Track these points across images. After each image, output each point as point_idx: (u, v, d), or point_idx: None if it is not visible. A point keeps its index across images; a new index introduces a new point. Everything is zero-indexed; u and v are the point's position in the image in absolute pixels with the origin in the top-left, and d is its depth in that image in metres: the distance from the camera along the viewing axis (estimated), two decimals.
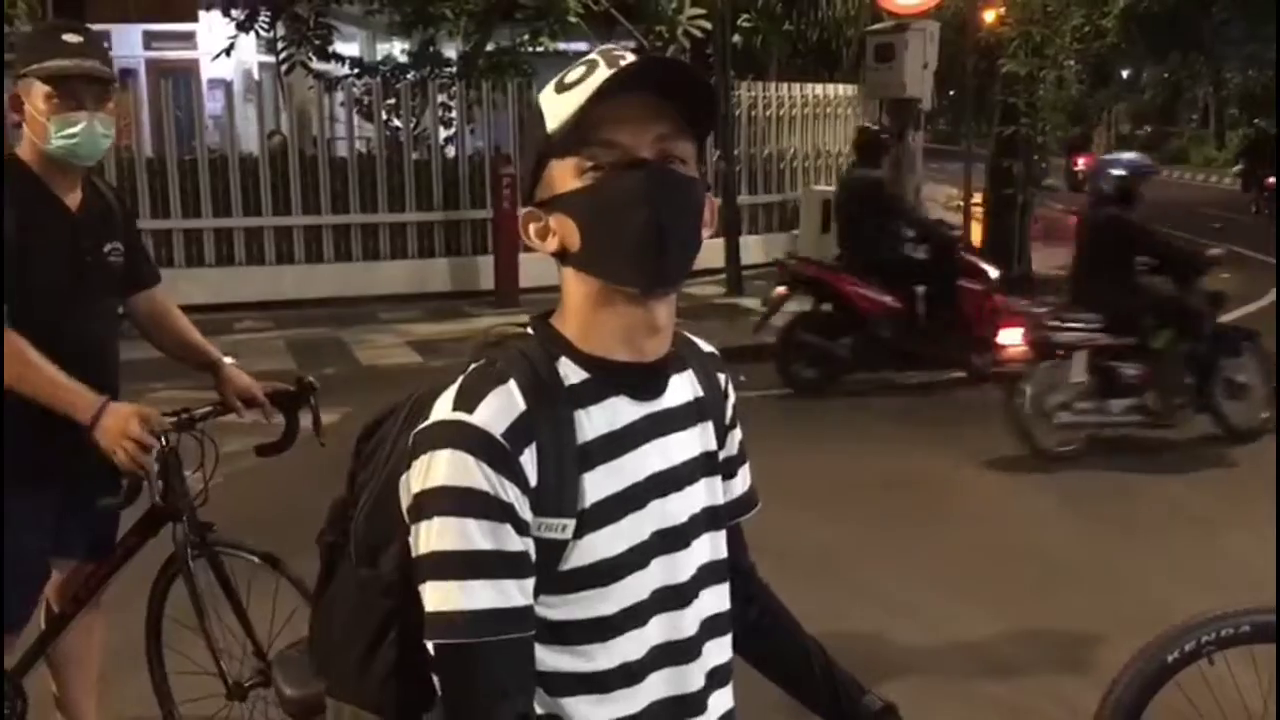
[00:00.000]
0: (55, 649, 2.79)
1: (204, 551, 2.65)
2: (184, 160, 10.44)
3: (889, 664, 3.78)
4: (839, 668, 1.55)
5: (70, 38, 2.44)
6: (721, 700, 1.37)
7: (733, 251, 11.15)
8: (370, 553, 1.31)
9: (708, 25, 10.96)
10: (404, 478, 1.21)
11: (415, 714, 1.27)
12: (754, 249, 12.34)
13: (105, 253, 2.61)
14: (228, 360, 2.79)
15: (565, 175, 1.20)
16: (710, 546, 1.35)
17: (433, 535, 1.16)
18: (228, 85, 11.87)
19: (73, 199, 2.57)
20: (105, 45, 2.59)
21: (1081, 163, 23.51)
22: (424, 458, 1.17)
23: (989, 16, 11.61)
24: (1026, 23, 10.76)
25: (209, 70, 15.59)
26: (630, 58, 1.21)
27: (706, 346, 1.44)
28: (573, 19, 11.17)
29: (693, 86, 1.20)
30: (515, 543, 1.16)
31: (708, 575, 1.34)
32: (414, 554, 1.18)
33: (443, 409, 1.19)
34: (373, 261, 10.87)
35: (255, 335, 9.41)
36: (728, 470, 1.42)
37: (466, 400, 1.18)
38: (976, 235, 11.76)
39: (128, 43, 17.88)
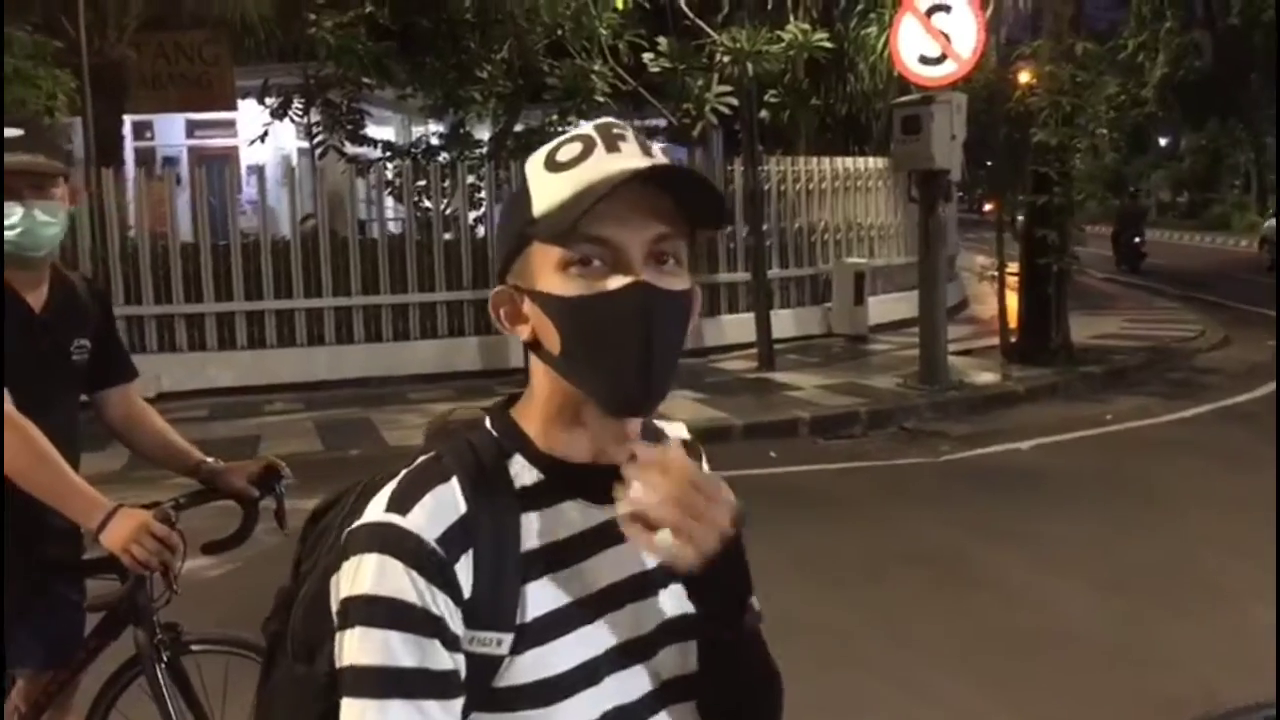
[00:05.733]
0: None
1: (178, 652, 2.55)
2: (218, 245, 10.58)
3: None
4: None
5: (10, 132, 2.41)
6: None
7: (764, 326, 11.07)
8: (307, 649, 1.22)
9: (735, 102, 11.01)
10: (334, 578, 1.12)
11: None
12: (786, 323, 12.28)
13: (69, 351, 2.55)
14: (209, 460, 2.69)
15: (547, 265, 1.11)
16: (677, 659, 1.22)
17: (354, 647, 1.07)
18: (260, 170, 12.05)
19: (36, 296, 2.51)
20: (54, 137, 2.58)
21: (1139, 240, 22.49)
22: (353, 560, 1.09)
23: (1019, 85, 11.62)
24: (1056, 93, 10.70)
25: (248, 156, 15.91)
26: (629, 135, 1.13)
27: (678, 433, 1.33)
28: (600, 98, 11.26)
29: (703, 190, 1.12)
30: (443, 660, 1.06)
31: (671, 691, 1.21)
32: (337, 663, 1.09)
33: (376, 509, 1.10)
34: (403, 342, 10.90)
35: (285, 417, 9.43)
36: None
37: (401, 500, 1.09)
38: (1012, 305, 11.61)
39: (172, 131, 18.36)
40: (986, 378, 10.47)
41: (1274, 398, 9.74)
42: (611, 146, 1.12)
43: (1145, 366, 11.34)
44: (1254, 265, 23.46)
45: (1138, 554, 5.69)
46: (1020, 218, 11.90)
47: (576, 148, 1.12)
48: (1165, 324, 14.18)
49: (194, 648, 2.59)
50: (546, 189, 1.12)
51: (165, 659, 2.53)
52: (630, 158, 1.11)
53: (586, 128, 1.15)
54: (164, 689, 2.50)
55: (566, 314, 1.10)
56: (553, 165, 1.12)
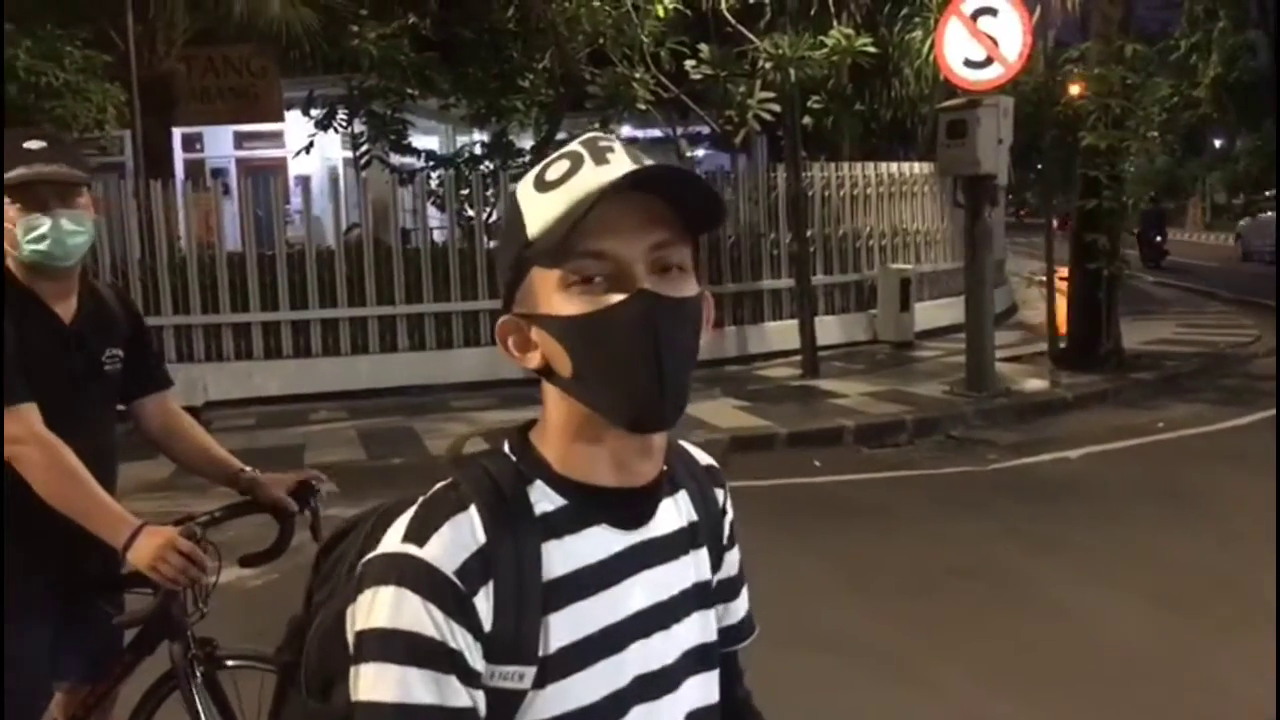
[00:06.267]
0: None
1: (212, 667, 2.53)
2: (264, 255, 10.68)
3: None
4: None
5: (31, 145, 2.41)
6: None
7: (808, 333, 10.98)
8: (322, 684, 1.19)
9: (778, 108, 10.94)
10: (350, 610, 1.09)
11: None
12: (830, 329, 12.17)
13: (102, 361, 2.55)
14: (248, 470, 2.68)
15: (549, 287, 1.08)
16: (701, 690, 1.20)
17: (369, 682, 1.04)
18: (306, 181, 12.15)
19: (65, 307, 2.51)
20: (76, 148, 2.59)
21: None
22: (368, 593, 1.06)
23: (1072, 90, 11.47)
24: (1105, 95, 10.53)
25: (294, 167, 16.07)
26: (617, 147, 1.10)
27: (704, 459, 1.30)
28: (642, 106, 11.24)
29: (694, 188, 1.08)
30: (460, 697, 1.03)
31: None
32: (352, 698, 1.06)
33: (393, 539, 1.08)
34: (446, 350, 10.93)
35: (329, 426, 9.48)
36: (724, 595, 1.28)
37: (418, 530, 1.06)
38: (1061, 310, 11.43)
39: (220, 143, 18.61)
40: (1035, 385, 10.30)
41: None
42: (599, 159, 1.08)
43: (1199, 373, 11.11)
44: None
45: (1190, 567, 5.55)
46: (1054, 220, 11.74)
47: (564, 165, 1.09)
48: (1219, 329, 13.90)
49: (229, 663, 2.57)
50: (538, 210, 1.09)
51: (200, 674, 2.51)
52: (619, 168, 1.07)
53: (574, 144, 1.12)
54: (198, 704, 2.49)
55: (573, 334, 1.07)
56: (542, 185, 1.10)
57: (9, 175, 2.37)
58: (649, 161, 1.10)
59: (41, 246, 2.40)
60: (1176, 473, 7.56)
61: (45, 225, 2.39)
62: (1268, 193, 28.97)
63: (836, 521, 6.58)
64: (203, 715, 2.49)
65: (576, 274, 1.06)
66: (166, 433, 2.72)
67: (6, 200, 2.39)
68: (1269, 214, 26.42)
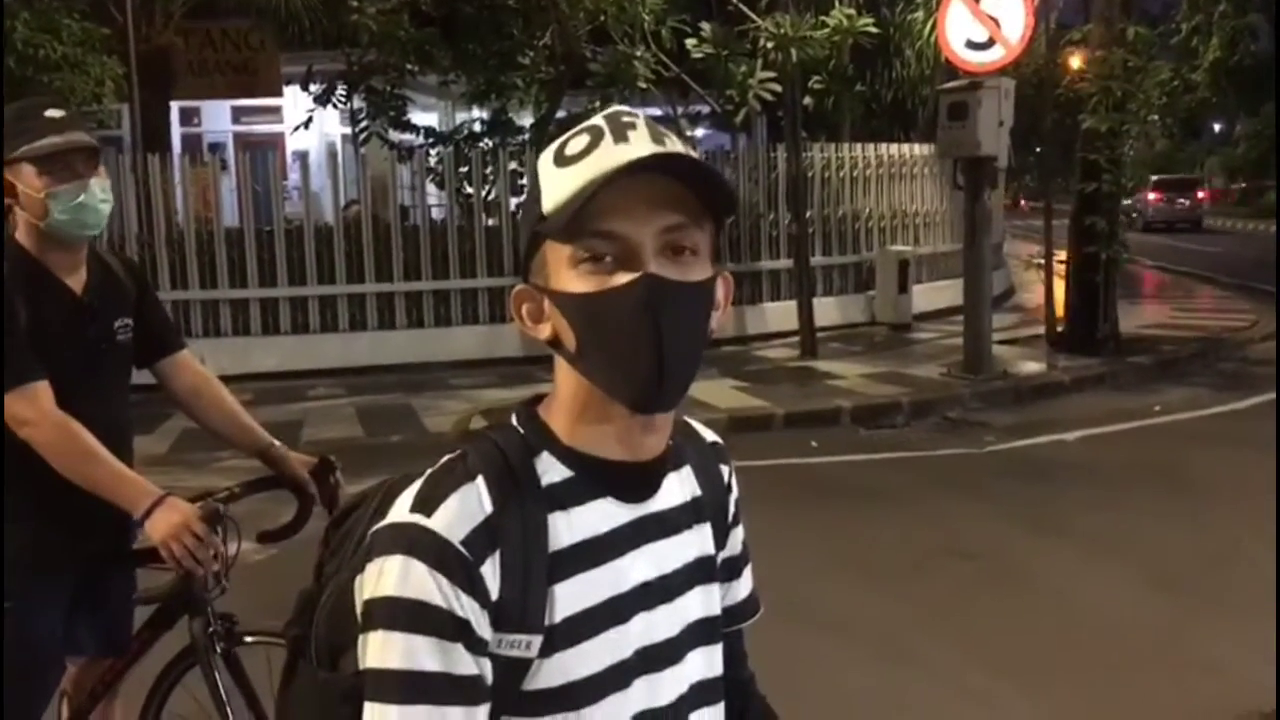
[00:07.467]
0: None
1: (232, 643, 2.53)
2: (261, 230, 10.66)
3: None
4: None
5: (53, 113, 2.39)
6: None
7: (806, 314, 10.99)
8: (331, 654, 1.20)
9: (778, 88, 10.91)
10: (358, 580, 1.11)
11: None
12: (829, 311, 12.18)
13: (114, 330, 2.53)
14: (278, 444, 2.66)
15: (560, 263, 1.08)
16: (704, 663, 1.21)
17: (376, 650, 1.05)
18: (305, 156, 12.11)
19: (76, 279, 2.49)
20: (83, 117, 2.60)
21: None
22: (377, 562, 1.06)
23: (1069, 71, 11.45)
24: (1106, 78, 10.50)
25: (293, 143, 16.02)
26: (640, 124, 1.09)
27: (710, 436, 1.31)
28: (643, 84, 11.20)
29: (705, 177, 1.07)
30: (467, 664, 1.04)
31: (699, 695, 1.21)
32: (360, 666, 1.07)
33: (400, 509, 1.08)
34: (445, 328, 10.93)
35: (326, 402, 9.48)
36: (728, 572, 1.29)
37: (426, 501, 1.07)
38: (1060, 293, 11.44)
39: (218, 118, 18.53)
40: (1032, 367, 10.33)
41: None
42: (620, 136, 1.07)
43: (1195, 357, 11.13)
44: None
45: (1185, 550, 5.58)
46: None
47: (584, 140, 1.09)
48: (1216, 313, 13.93)
49: (248, 639, 2.56)
50: (555, 184, 1.08)
51: (220, 650, 2.51)
52: (638, 147, 1.06)
53: (596, 118, 1.11)
54: (218, 680, 2.49)
55: (579, 312, 1.08)
56: (561, 160, 1.09)
57: (40, 144, 2.35)
58: (672, 139, 1.09)
59: (78, 216, 2.39)
60: (1173, 456, 7.58)
61: (82, 195, 2.38)
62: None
63: (833, 502, 6.60)
64: (223, 691, 2.49)
65: (586, 252, 1.06)
66: (193, 395, 2.69)
67: (33, 170, 2.36)
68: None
